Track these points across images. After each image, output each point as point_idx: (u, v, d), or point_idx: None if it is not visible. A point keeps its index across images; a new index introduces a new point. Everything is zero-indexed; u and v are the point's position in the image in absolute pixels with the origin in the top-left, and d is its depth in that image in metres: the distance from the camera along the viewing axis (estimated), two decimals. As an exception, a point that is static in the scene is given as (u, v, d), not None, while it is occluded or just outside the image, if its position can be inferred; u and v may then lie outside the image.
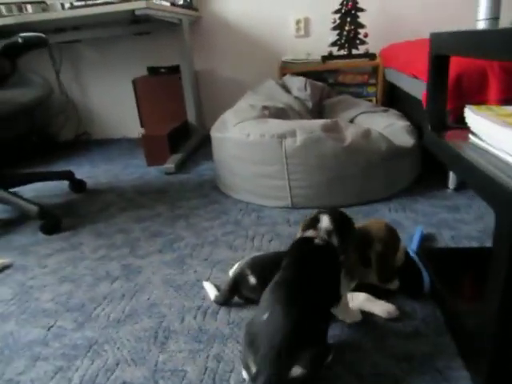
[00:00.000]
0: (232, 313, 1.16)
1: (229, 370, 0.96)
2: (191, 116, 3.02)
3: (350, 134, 1.71)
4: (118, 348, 1.07)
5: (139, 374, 0.97)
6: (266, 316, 0.85)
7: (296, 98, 2.32)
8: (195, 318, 1.15)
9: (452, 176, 1.81)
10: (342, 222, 1.01)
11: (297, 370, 0.78)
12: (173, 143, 2.65)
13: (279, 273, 0.96)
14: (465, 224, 1.53)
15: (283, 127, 1.73)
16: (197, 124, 3.06)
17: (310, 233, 0.99)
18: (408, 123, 1.98)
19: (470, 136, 1.00)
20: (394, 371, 0.91)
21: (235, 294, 1.19)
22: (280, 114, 2.08)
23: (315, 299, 0.89)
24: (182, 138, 2.87)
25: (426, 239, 1.43)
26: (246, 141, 1.77)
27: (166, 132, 2.61)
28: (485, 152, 0.89)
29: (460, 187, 1.83)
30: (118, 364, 1.01)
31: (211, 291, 1.24)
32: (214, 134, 2.02)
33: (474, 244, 1.38)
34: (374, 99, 2.75)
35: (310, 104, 2.32)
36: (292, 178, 1.72)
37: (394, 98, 2.66)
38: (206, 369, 0.97)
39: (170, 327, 1.12)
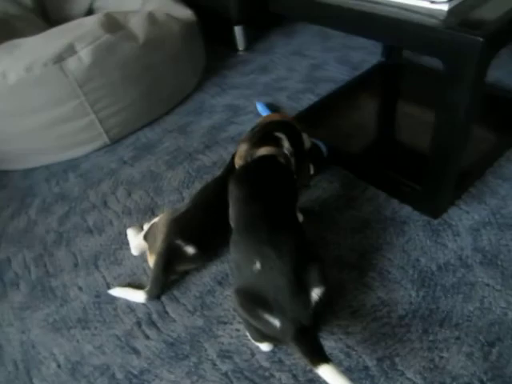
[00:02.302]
0: (183, 299, 0.93)
1: (249, 354, 0.81)
2: None
3: (136, 26, 1.33)
4: None
5: None
6: (258, 266, 0.70)
7: (3, -5, 1.58)
8: (148, 337, 0.87)
9: (239, 37, 1.74)
10: (299, 141, 0.93)
11: (316, 292, 0.72)
12: None
13: (245, 202, 0.80)
14: (285, 80, 1.57)
15: (51, 46, 1.18)
16: None
17: (269, 150, 0.85)
18: (164, -9, 1.68)
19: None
20: (362, 235, 0.97)
21: (170, 274, 0.93)
22: (4, 28, 1.41)
23: (292, 222, 0.80)
24: None
25: (272, 110, 1.41)
26: (6, 86, 1.15)
27: None
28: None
29: (247, 46, 1.80)
30: None
31: (133, 294, 0.93)
32: None
33: (311, 96, 1.45)
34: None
35: (28, 0, 1.64)
36: (97, 109, 1.30)
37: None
38: (226, 375, 0.79)
39: (132, 371, 0.82)
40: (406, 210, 1.02)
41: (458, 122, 0.77)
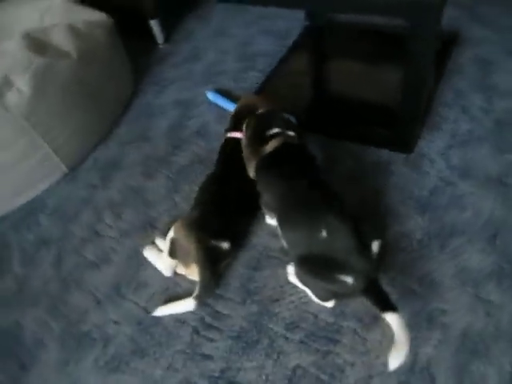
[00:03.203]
0: (227, 294, 0.96)
1: (312, 317, 0.89)
2: None
3: (62, 42, 1.22)
4: None
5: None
6: (324, 234, 0.78)
7: None
8: (212, 340, 0.90)
9: (157, 31, 1.68)
10: (293, 124, 0.99)
11: (375, 245, 0.84)
12: None
13: (287, 183, 0.87)
14: (221, 63, 1.58)
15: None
16: None
17: (276, 142, 0.91)
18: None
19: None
20: (357, 186, 1.08)
21: (216, 276, 0.96)
22: None
23: (330, 189, 0.88)
24: None
25: (225, 95, 1.42)
26: None
27: None
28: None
29: (167, 39, 1.75)
30: None
31: (181, 306, 0.93)
32: None
33: (254, 73, 1.48)
34: None
35: None
36: (49, 139, 1.19)
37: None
38: (302, 342, 0.86)
39: (213, 374, 0.85)
40: (385, 153, 1.15)
41: (424, 69, 0.91)
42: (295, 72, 1.40)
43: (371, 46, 1.36)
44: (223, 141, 1.11)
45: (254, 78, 1.47)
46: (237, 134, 1.06)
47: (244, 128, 0.98)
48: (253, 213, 1.06)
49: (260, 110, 1.01)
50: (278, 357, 0.85)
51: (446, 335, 0.82)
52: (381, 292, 0.77)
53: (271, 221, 1.03)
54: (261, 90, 1.37)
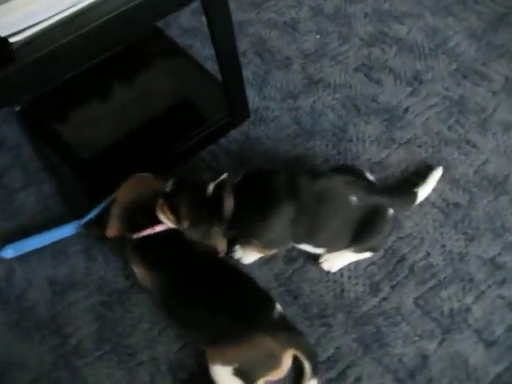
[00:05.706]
0: (312, 328, 0.82)
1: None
2: None
3: None
4: None
5: None
6: (355, 198, 0.81)
7: None
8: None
9: None
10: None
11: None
12: None
13: (297, 202, 0.80)
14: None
15: None
16: None
17: (230, 185, 0.80)
18: None
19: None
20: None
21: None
22: None
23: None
24: None
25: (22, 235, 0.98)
26: None
27: None
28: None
29: None
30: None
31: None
32: None
33: (31, 195, 1.07)
34: None
35: None
36: None
37: None
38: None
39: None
40: (233, 133, 1.13)
41: (234, 42, 0.93)
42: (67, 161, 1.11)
43: (104, 80, 1.20)
44: (134, 245, 0.86)
45: (38, 196, 1.09)
46: (154, 229, 0.82)
47: (182, 211, 0.77)
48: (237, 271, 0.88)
49: (167, 186, 0.80)
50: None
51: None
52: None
53: (251, 257, 0.94)
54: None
